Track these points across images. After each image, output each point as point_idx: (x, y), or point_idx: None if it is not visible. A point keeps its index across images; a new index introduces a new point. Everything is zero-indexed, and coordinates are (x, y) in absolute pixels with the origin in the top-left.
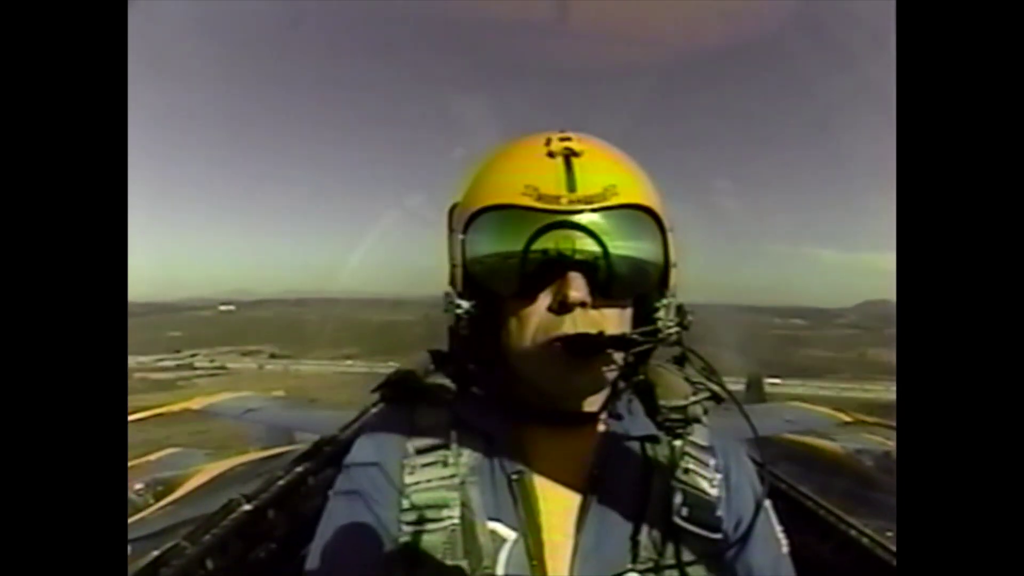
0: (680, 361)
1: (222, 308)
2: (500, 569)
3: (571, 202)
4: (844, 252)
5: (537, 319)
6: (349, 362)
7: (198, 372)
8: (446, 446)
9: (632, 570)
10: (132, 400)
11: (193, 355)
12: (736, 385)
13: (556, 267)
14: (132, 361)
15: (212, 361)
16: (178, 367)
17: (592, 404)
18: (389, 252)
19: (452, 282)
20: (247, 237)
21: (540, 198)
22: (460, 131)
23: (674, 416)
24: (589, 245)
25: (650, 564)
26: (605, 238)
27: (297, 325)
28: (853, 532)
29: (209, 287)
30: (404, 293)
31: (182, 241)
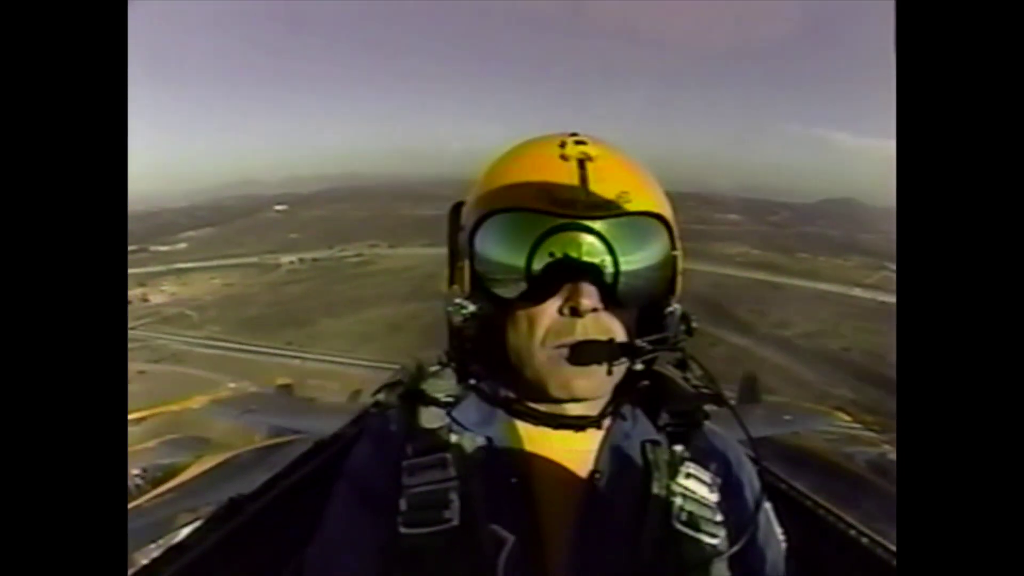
0: (682, 365)
1: (277, 208)
2: (499, 571)
3: (585, 207)
4: (859, 136)
5: (546, 323)
6: (432, 250)
7: (367, 257)
8: (446, 448)
9: (632, 573)
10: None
11: (342, 249)
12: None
13: (565, 271)
14: (323, 254)
15: (370, 249)
16: (357, 255)
17: (594, 407)
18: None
19: (454, 281)
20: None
21: (554, 202)
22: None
23: (676, 420)
24: (600, 251)
25: (650, 568)
26: (616, 245)
27: (364, 220)
28: (853, 532)
29: (212, 179)
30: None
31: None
